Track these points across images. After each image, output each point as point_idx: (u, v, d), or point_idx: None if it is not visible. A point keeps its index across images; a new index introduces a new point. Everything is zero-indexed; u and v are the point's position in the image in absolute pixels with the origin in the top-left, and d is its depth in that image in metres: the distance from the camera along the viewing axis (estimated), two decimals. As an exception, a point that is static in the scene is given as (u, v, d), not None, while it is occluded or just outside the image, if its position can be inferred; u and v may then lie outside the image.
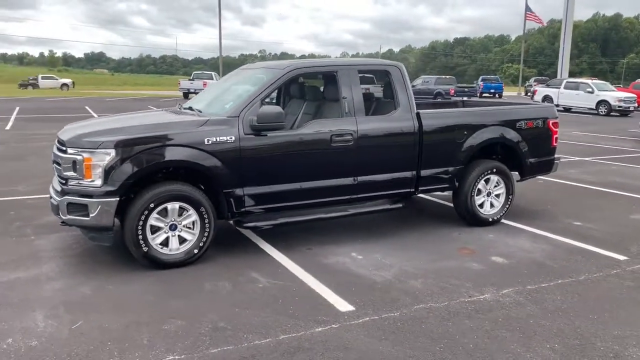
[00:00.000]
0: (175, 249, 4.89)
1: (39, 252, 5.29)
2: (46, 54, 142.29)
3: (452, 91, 29.02)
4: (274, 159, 5.17)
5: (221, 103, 5.42)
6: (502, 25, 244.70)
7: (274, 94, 6.44)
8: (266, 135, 5.10)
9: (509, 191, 6.44)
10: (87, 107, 26.42)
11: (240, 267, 4.94)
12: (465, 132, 6.06)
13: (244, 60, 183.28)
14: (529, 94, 42.07)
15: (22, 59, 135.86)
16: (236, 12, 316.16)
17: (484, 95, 43.40)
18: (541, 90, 30.37)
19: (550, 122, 6.65)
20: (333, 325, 3.83)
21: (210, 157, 4.86)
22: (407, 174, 5.83)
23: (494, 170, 6.30)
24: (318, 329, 3.78)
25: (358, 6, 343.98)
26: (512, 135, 6.35)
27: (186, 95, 34.59)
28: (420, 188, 5.99)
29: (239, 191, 5.04)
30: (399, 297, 4.35)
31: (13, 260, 5.06)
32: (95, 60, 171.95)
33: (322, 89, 6.20)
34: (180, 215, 4.88)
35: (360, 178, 5.58)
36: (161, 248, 4.85)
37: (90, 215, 4.63)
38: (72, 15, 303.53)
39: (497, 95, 43.06)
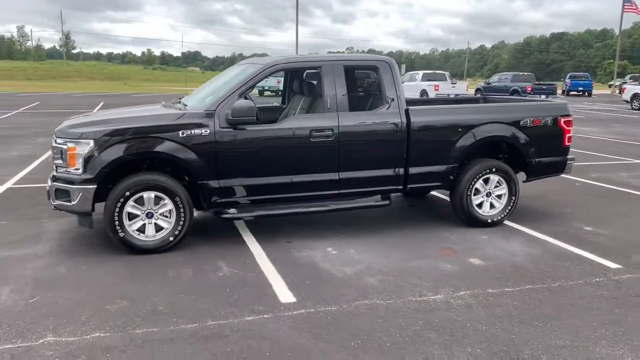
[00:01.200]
0: (151, 236, 5.15)
1: (42, 234, 5.75)
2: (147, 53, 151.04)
3: (529, 88, 27.72)
4: (251, 153, 5.29)
5: (206, 97, 5.61)
6: (606, 19, 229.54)
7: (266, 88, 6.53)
8: (245, 129, 5.23)
9: (512, 192, 6.15)
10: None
11: (212, 256, 5.11)
12: (460, 130, 5.86)
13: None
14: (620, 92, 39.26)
15: (123, 58, 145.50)
16: (326, 9, 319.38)
17: (571, 93, 41.05)
18: (630, 88, 28.26)
19: (562, 120, 6.26)
20: (265, 316, 3.90)
21: (184, 149, 5.07)
22: (394, 171, 5.75)
23: (494, 169, 6.04)
24: (249, 317, 3.87)
25: (451, 1, 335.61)
26: (514, 133, 6.05)
27: (261, 93, 35.41)
28: (409, 186, 5.88)
29: (214, 183, 5.22)
30: (347, 292, 4.33)
31: (16, 240, 5.54)
32: (191, 58, 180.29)
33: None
34: (157, 204, 5.13)
35: (344, 174, 5.58)
36: (138, 234, 5.12)
37: (72, 201, 4.99)
38: (172, 16, 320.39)
39: (586, 93, 40.55)
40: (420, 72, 30.04)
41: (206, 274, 4.70)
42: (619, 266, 4.98)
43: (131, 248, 5.10)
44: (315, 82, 6.00)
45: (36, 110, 22.79)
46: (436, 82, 27.24)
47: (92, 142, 4.93)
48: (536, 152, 6.19)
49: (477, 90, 31.73)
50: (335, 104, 5.51)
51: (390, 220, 6.48)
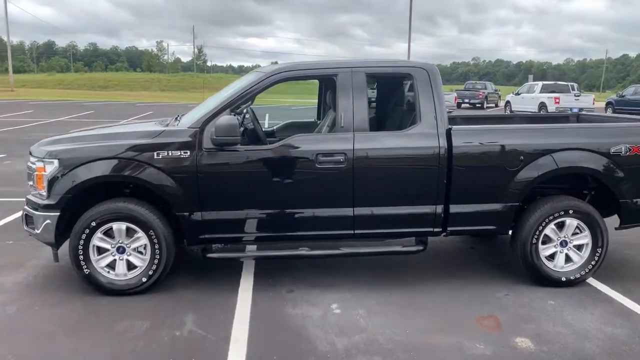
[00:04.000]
0: (121, 274, 4.36)
1: (31, 260, 5.20)
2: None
3: (670, 103, 23.94)
4: (241, 180, 4.32)
5: (199, 112, 4.72)
6: None
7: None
8: (236, 150, 4.28)
9: (598, 242, 4.58)
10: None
11: (186, 306, 4.19)
12: (522, 158, 4.43)
13: (455, 68, 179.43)
14: None
15: (248, 70, 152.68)
16: (454, 19, 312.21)
17: None
18: None
19: (675, 147, 4.56)
20: (187, 409, 2.88)
21: (159, 173, 4.22)
22: (429, 208, 4.46)
23: (571, 211, 4.52)
24: (165, 410, 2.87)
25: (593, 7, 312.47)
26: (601, 163, 4.48)
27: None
28: (449, 228, 4.55)
29: (196, 215, 4.31)
30: (318, 380, 3.18)
31: (1, 265, 5.04)
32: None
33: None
34: (131, 237, 4.33)
35: (360, 210, 4.41)
36: (107, 272, 4.35)
37: (36, 228, 4.34)
38: (299, 30, 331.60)
39: None
40: (540, 83, 27.21)
41: (161, 331, 3.78)
42: None
43: (97, 287, 4.34)
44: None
45: (145, 119, 23.67)
46: (557, 94, 24.45)
47: (56, 163, 4.25)
48: (635, 189, 4.56)
49: (608, 104, 28.16)
50: (351, 122, 4.37)
51: (434, 268, 5.16)
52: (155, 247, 4.31)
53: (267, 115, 22.28)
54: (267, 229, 4.42)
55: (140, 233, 4.30)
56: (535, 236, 4.54)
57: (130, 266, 4.38)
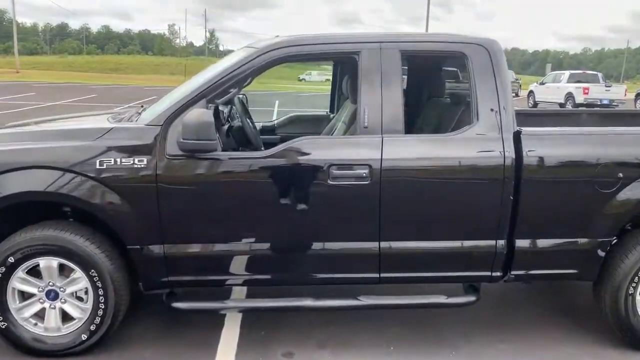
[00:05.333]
0: (53, 328, 3.12)
1: None
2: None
3: None
4: (221, 201, 3.05)
5: (164, 103, 3.42)
6: None
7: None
8: (217, 159, 2.99)
9: None
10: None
11: (139, 378, 2.95)
12: (620, 174, 3.11)
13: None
14: None
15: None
16: (468, 5, 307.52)
17: None
18: None
19: None
20: None
21: (103, 189, 2.95)
22: (487, 243, 3.16)
23: (685, 250, 3.20)
24: None
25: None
26: None
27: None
28: (514, 272, 3.25)
29: (155, 249, 3.05)
30: None
31: None
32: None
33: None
34: (67, 277, 3.09)
35: (389, 245, 3.12)
36: (34, 325, 3.12)
37: (-64, 264, 3.09)
38: (313, 15, 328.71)
39: None
40: (566, 72, 25.53)
41: None
42: None
43: (19, 346, 3.10)
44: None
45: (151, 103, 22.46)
46: (586, 85, 22.83)
47: (-39, 172, 2.99)
48: None
49: (638, 95, 26.49)
50: (379, 120, 3.06)
51: (482, 316, 3.85)
52: (99, 292, 3.05)
53: (276, 102, 20.99)
54: (257, 270, 3.15)
55: (79, 273, 3.05)
56: (633, 284, 3.24)
57: (66, 317, 3.14)
